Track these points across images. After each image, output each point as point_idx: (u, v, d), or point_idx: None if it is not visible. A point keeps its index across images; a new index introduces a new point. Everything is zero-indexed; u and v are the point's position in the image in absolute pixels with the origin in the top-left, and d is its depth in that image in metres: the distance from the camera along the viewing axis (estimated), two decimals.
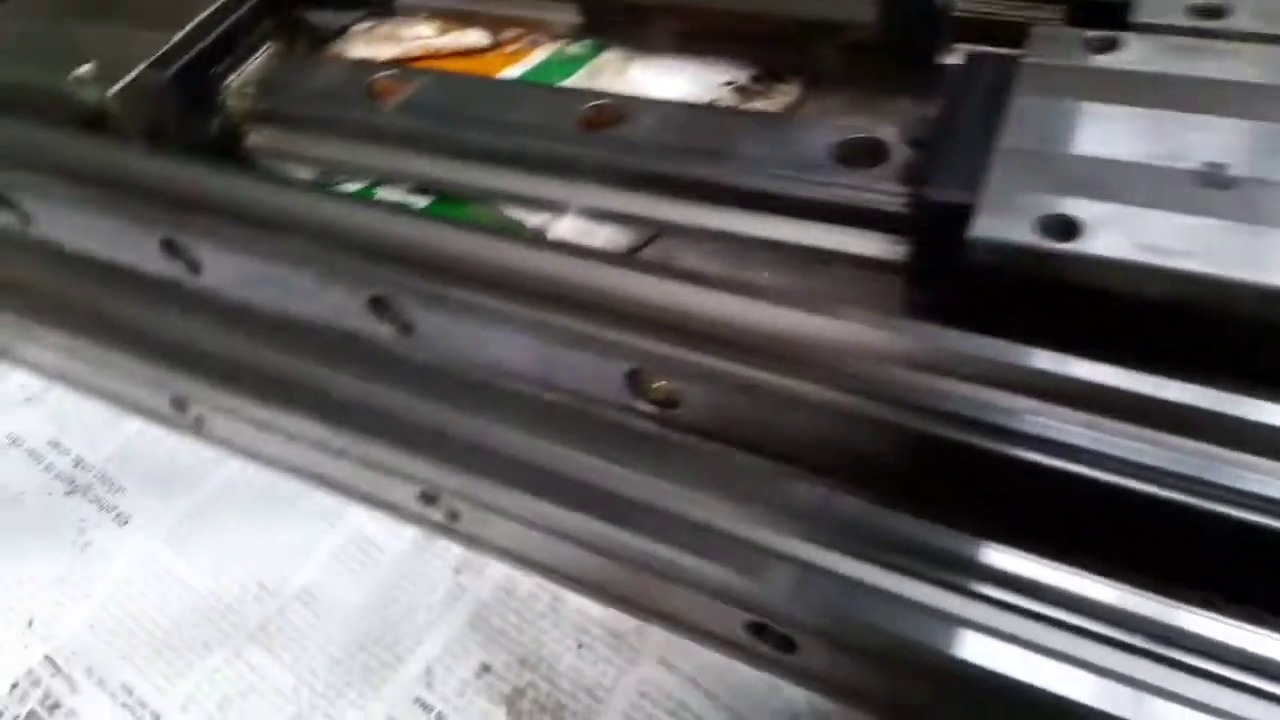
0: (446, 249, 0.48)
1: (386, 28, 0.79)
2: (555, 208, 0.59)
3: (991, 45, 0.59)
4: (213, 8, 0.64)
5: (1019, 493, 0.40)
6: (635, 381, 0.44)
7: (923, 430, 0.38)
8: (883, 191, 0.49)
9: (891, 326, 0.40)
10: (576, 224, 0.59)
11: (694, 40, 0.65)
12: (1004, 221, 0.41)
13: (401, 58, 0.79)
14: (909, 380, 0.40)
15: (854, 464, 0.41)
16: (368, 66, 0.64)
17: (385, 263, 0.48)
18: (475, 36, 0.79)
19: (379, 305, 0.50)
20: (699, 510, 0.39)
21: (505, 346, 0.47)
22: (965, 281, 0.44)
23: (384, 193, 0.66)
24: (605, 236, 0.60)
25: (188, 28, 0.63)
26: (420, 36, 0.79)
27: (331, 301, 0.51)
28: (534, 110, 0.57)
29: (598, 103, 0.57)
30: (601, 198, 0.57)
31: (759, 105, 0.70)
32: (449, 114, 0.59)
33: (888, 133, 0.51)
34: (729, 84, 0.71)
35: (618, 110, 0.56)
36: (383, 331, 0.51)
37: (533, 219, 0.61)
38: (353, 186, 0.67)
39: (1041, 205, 0.42)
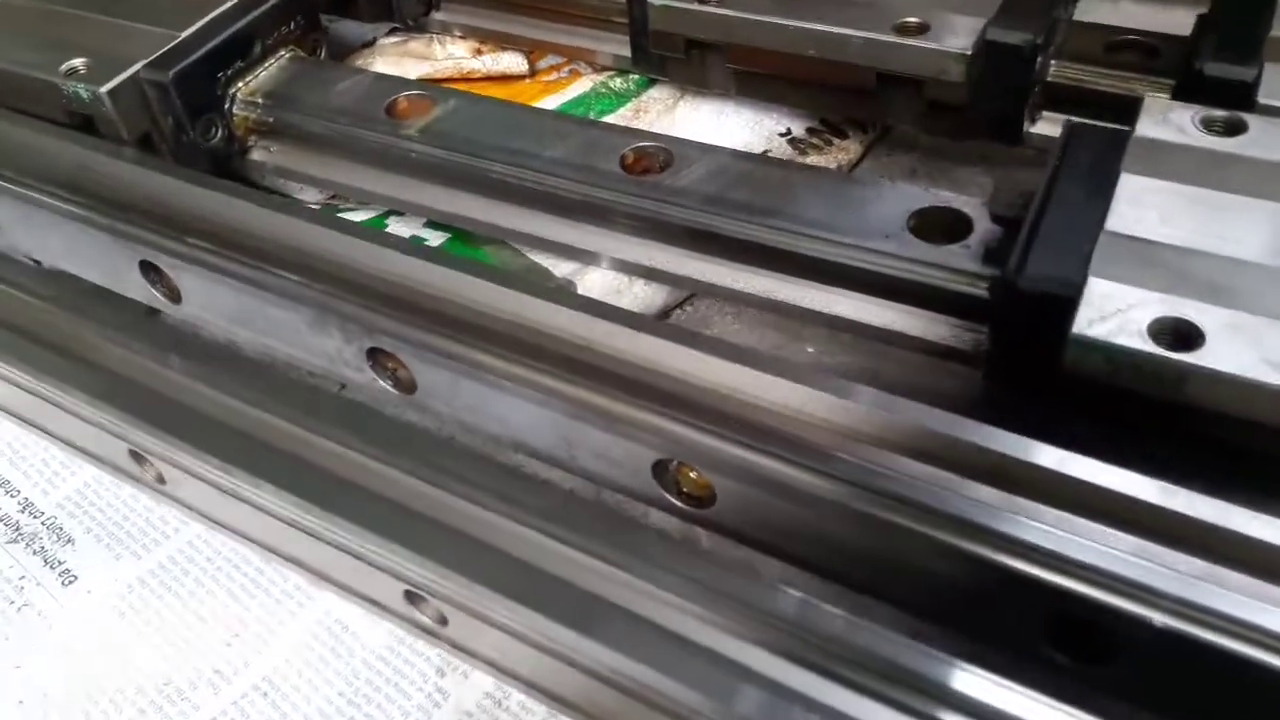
0: (461, 298, 0.43)
1: (417, 44, 0.76)
2: (586, 257, 0.54)
3: (1084, 116, 0.55)
4: (227, 5, 0.61)
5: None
6: (662, 472, 0.39)
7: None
8: (962, 271, 0.44)
9: (979, 434, 0.35)
10: (608, 277, 0.55)
11: (752, 84, 0.61)
12: (1112, 322, 0.37)
13: (430, 77, 0.76)
14: (995, 501, 0.35)
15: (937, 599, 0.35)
16: (390, 83, 0.60)
17: (389, 310, 0.44)
18: (512, 61, 0.75)
19: (379, 359, 0.45)
20: (736, 648, 0.34)
21: (517, 416, 0.42)
22: (1057, 385, 0.40)
23: (396, 225, 0.62)
24: (639, 293, 0.56)
25: (196, 25, 0.59)
26: (453, 56, 0.75)
27: (324, 349, 0.46)
28: (571, 147, 0.53)
29: (642, 144, 0.53)
30: (639, 250, 0.52)
31: (814, 160, 0.66)
32: (475, 143, 0.54)
33: (970, 204, 0.46)
34: (785, 134, 0.67)
35: (664, 154, 0.52)
36: (379, 388, 0.46)
37: (561, 267, 0.56)
38: (362, 214, 0.62)
39: (1155, 305, 0.37)
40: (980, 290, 0.44)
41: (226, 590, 0.45)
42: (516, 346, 0.41)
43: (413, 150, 0.55)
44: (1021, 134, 0.54)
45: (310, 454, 0.38)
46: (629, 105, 0.68)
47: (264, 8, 0.61)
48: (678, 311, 0.59)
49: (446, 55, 0.75)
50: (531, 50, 0.75)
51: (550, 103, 0.70)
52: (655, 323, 0.39)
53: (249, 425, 0.39)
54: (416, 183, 0.57)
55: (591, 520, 0.35)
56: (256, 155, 0.62)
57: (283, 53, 0.62)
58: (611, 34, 0.69)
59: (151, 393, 0.41)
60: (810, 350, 0.55)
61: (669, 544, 0.36)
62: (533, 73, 0.76)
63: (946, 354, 0.47)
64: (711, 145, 0.52)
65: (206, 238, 0.49)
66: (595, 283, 0.54)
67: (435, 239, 0.61)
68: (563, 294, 0.43)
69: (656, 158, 0.53)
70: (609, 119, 0.68)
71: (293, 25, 0.63)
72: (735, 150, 0.52)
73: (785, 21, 0.55)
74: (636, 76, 0.70)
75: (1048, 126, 0.56)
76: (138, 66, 0.57)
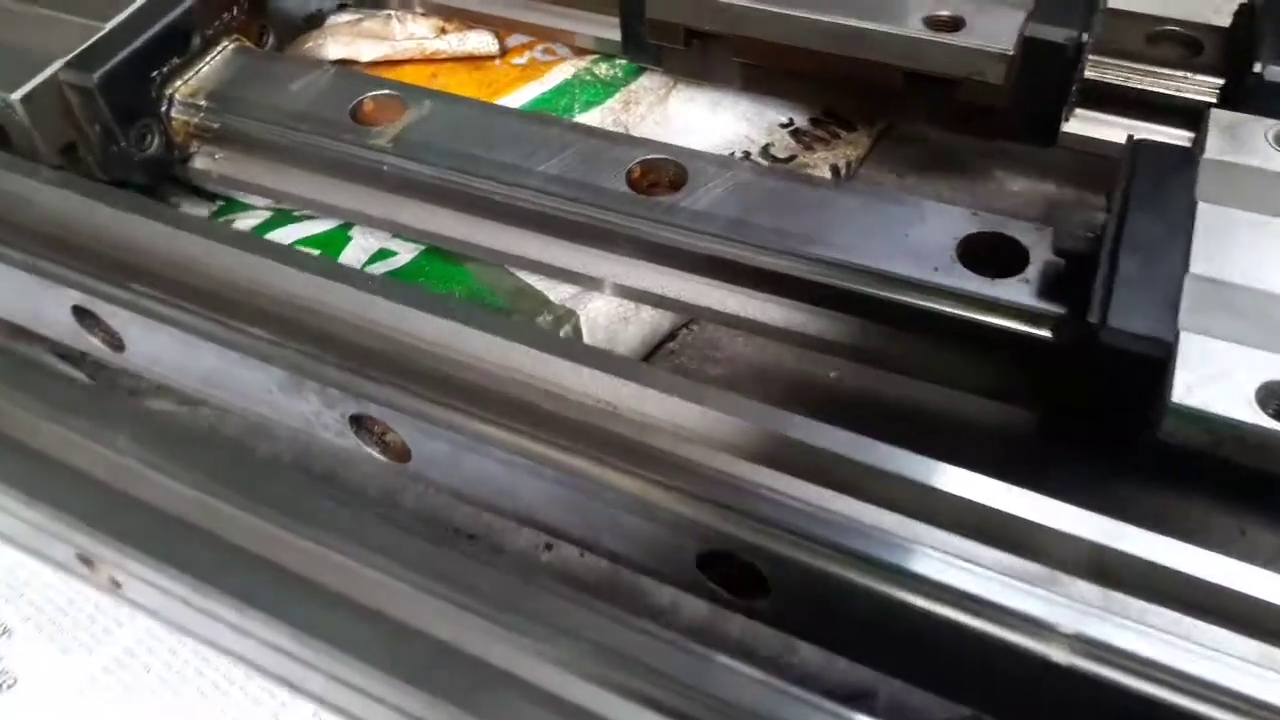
0: (456, 352, 0.38)
1: (373, 23, 0.68)
2: (588, 282, 0.49)
3: (1125, 116, 0.51)
4: None
5: None
6: (710, 564, 0.35)
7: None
8: (1019, 309, 0.40)
9: (1059, 517, 0.31)
10: (612, 304, 0.50)
11: (760, 78, 0.55)
12: (1212, 388, 0.33)
13: (389, 59, 0.69)
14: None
15: None
16: (353, 81, 0.53)
17: (369, 368, 0.38)
18: (479, 41, 0.68)
19: (363, 424, 0.40)
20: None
21: (533, 494, 0.37)
22: (1135, 444, 0.36)
23: (362, 235, 0.55)
24: (647, 319, 0.51)
25: (123, 15, 0.52)
26: (414, 36, 0.68)
27: (298, 411, 0.41)
28: (570, 160, 0.47)
29: (651, 157, 0.47)
30: (650, 277, 0.47)
31: (820, 155, 0.61)
32: (457, 155, 0.48)
33: (1025, 231, 0.42)
34: (787, 125, 0.62)
35: (675, 169, 0.47)
36: (365, 456, 0.41)
37: (559, 290, 0.51)
38: (321, 224, 0.56)
39: (1260, 367, 0.33)
40: (1040, 331, 0.40)
41: (196, 689, 0.40)
42: (526, 415, 0.36)
43: (384, 163, 0.49)
44: (1057, 135, 0.50)
45: (292, 558, 0.33)
46: (618, 95, 0.63)
47: None
48: (684, 332, 0.54)
49: (407, 34, 0.68)
50: (502, 30, 0.68)
51: (530, 91, 0.64)
52: (706, 388, 0.34)
53: (218, 521, 0.34)
54: (388, 196, 0.51)
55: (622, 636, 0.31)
56: (200, 163, 0.55)
57: (225, 44, 0.55)
58: (594, 14, 0.63)
59: (99, 484, 0.35)
60: (834, 374, 0.51)
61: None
62: (503, 52, 0.69)
63: (995, 395, 0.43)
64: (729, 159, 0.47)
65: (145, 278, 0.43)
66: (599, 310, 0.49)
67: (406, 252, 0.55)
68: (567, 345, 0.38)
69: (666, 172, 0.47)
70: (596, 111, 0.62)
71: (234, 10, 0.55)
72: (756, 164, 0.47)
73: (802, 14, 0.49)
74: (624, 62, 0.64)
75: (1080, 125, 0.52)
76: (56, 67, 0.49)
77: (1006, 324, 0.40)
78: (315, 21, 0.69)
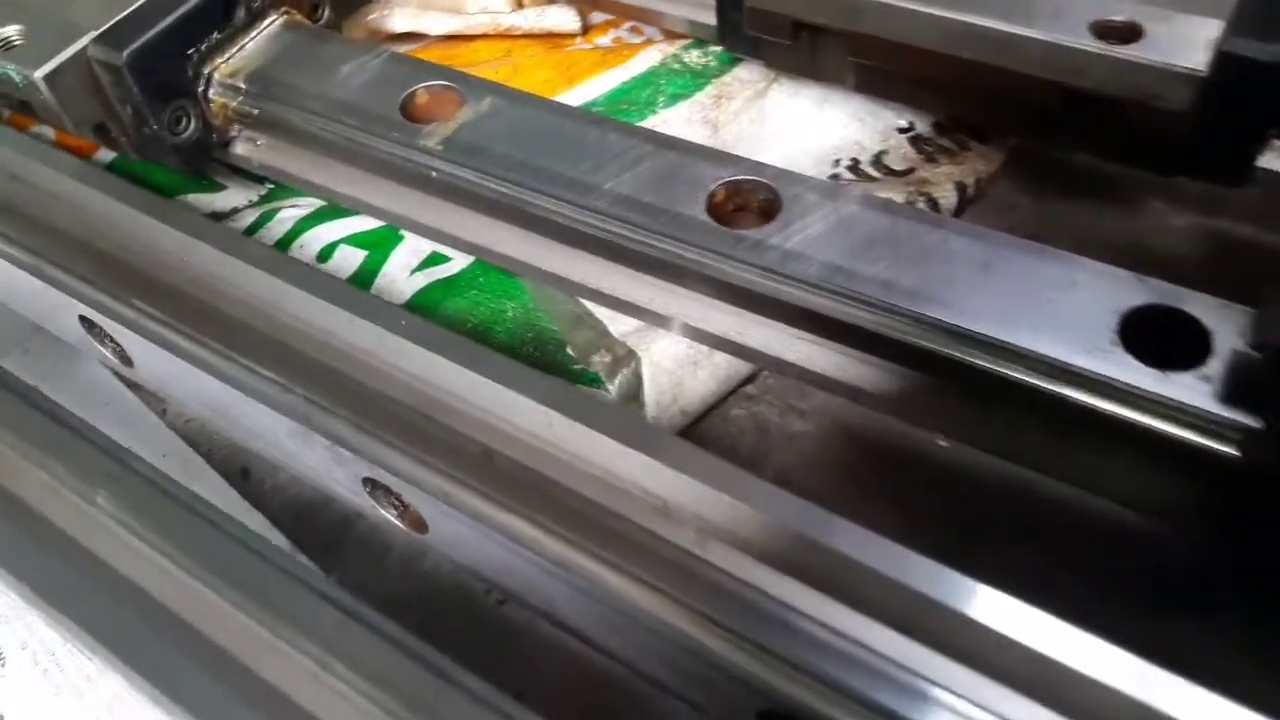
0: (489, 414, 0.32)
1: None
2: (654, 317, 0.42)
3: None
4: None
5: None
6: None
7: None
8: (1192, 416, 0.31)
9: None
10: (680, 346, 0.42)
11: (878, 81, 0.47)
12: None
13: (460, 33, 0.62)
14: None
15: None
16: (407, 69, 0.46)
17: (387, 430, 0.32)
18: (560, 17, 0.61)
19: (379, 487, 0.34)
20: None
21: (569, 603, 0.31)
22: None
23: (413, 237, 0.50)
24: (720, 364, 0.43)
25: None
26: (487, 10, 0.62)
27: (310, 463, 0.35)
28: (642, 177, 0.40)
29: (737, 178, 0.40)
30: (727, 322, 0.40)
31: (945, 169, 0.52)
32: (514, 164, 0.42)
33: (1207, 307, 0.33)
34: (906, 130, 0.54)
35: (767, 194, 0.39)
36: (382, 517, 0.35)
37: (620, 323, 0.44)
38: (368, 221, 0.50)
39: None
40: (1223, 446, 0.31)
41: None
42: (571, 514, 0.30)
43: (433, 168, 0.43)
44: (1250, 173, 0.40)
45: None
46: (709, 88, 0.55)
47: None
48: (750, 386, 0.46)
49: (480, 7, 0.62)
50: (585, 6, 0.61)
51: (611, 79, 0.57)
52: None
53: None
54: (437, 202, 0.45)
55: None
56: (240, 148, 0.50)
57: (273, 18, 0.49)
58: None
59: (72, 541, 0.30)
60: (944, 444, 0.43)
61: None
62: (585, 30, 0.62)
63: (1146, 508, 0.35)
64: (832, 185, 0.39)
65: (155, 291, 0.38)
66: (665, 352, 0.42)
67: (461, 259, 0.49)
68: (650, 436, 0.31)
69: (755, 196, 0.40)
70: (683, 106, 0.54)
71: None
72: (865, 196, 0.38)
73: (937, 11, 0.41)
74: (718, 49, 0.57)
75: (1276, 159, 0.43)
76: (84, 42, 0.44)
77: (1177, 432, 0.32)
78: None
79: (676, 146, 0.42)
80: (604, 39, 0.62)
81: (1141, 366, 0.32)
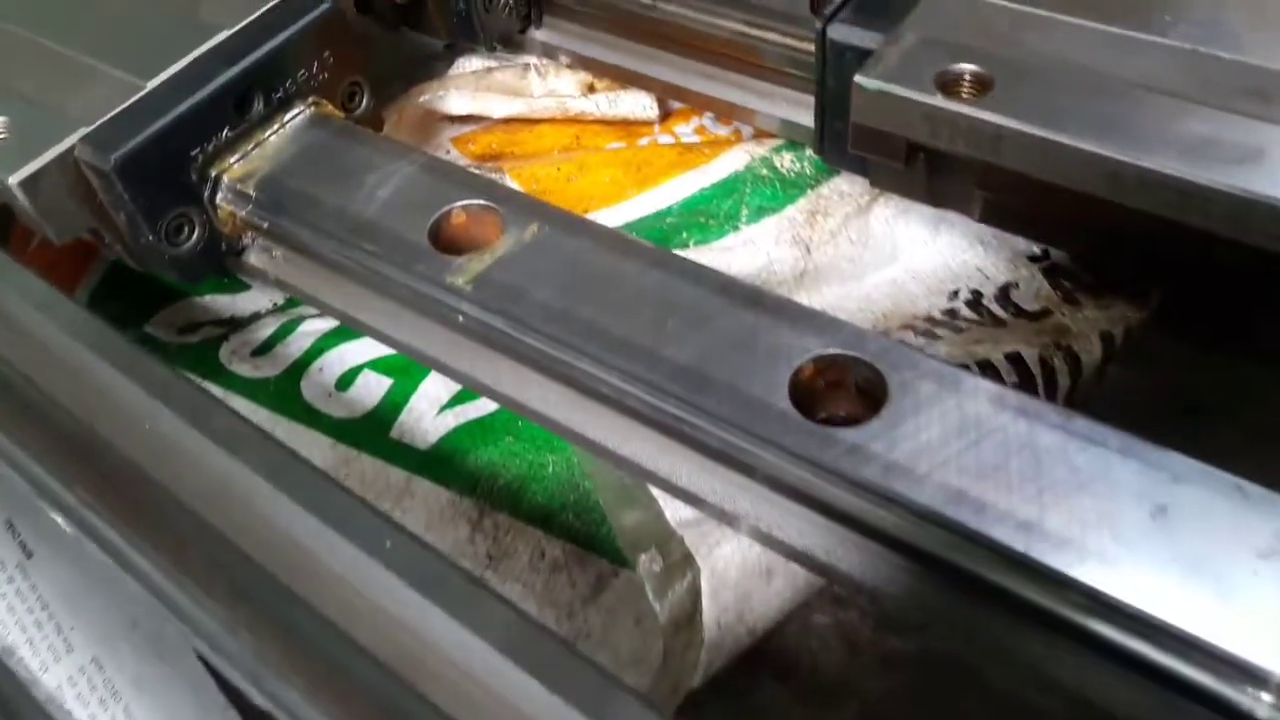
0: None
1: (507, 74, 0.55)
2: (718, 513, 0.34)
3: None
4: (221, 38, 0.42)
5: None
6: None
7: None
8: None
9: None
10: (750, 552, 0.34)
11: (1010, 217, 0.38)
12: None
13: (524, 118, 0.55)
14: None
15: None
16: (445, 181, 0.39)
17: None
18: (635, 104, 0.54)
19: None
20: None
21: None
22: None
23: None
24: (795, 575, 0.35)
25: (167, 73, 0.40)
26: (555, 93, 0.55)
27: None
28: (712, 341, 0.32)
29: (831, 352, 0.31)
30: (808, 530, 0.31)
31: (1088, 314, 0.43)
32: (557, 314, 0.34)
33: None
34: (1039, 259, 0.45)
35: (868, 375, 0.31)
36: None
37: (677, 509, 0.36)
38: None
39: None
40: None
41: None
42: None
43: (461, 311, 0.36)
44: None
45: None
46: (802, 201, 0.47)
47: (274, 43, 0.41)
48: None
49: (547, 90, 0.55)
50: (663, 95, 0.53)
51: (688, 183, 0.49)
52: None
53: None
54: (469, 345, 0.37)
55: None
56: (255, 259, 0.43)
57: (298, 109, 0.43)
58: (783, 89, 0.48)
59: None
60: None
61: None
62: (663, 116, 0.55)
63: None
64: (953, 372, 0.30)
65: (82, 467, 0.31)
66: (729, 558, 0.34)
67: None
68: None
69: (853, 374, 0.31)
70: (770, 221, 0.46)
71: (315, 67, 0.43)
72: (999, 391, 0.30)
73: (1103, 151, 0.32)
74: (812, 153, 0.49)
75: None
76: (70, 141, 0.38)
77: None
78: (432, 60, 0.57)
79: (757, 303, 0.33)
80: (685, 127, 0.54)
81: None
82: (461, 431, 0.42)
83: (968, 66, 0.36)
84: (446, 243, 0.38)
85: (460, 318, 0.36)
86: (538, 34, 0.55)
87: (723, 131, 0.54)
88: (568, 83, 0.54)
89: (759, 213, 0.46)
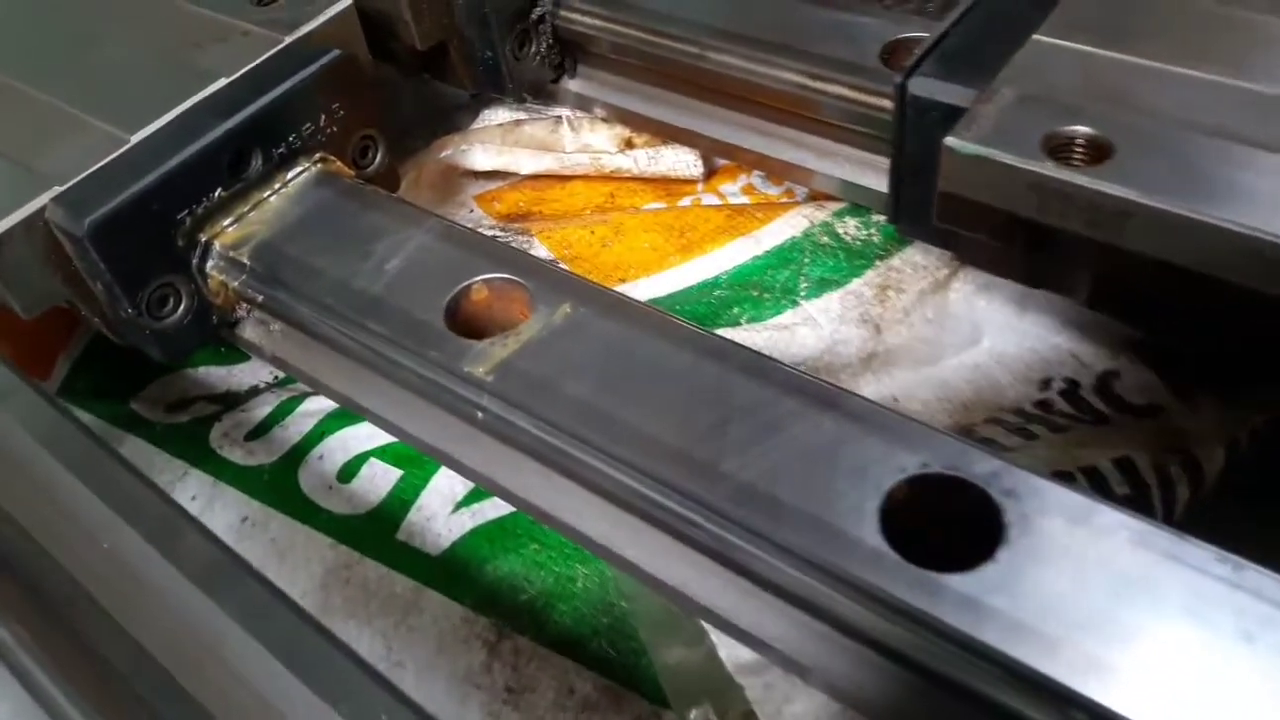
0: None
1: (538, 127, 0.51)
2: (785, 661, 0.28)
3: None
4: (214, 88, 0.37)
5: None
6: None
7: None
8: None
9: None
10: (823, 711, 0.28)
11: (1126, 304, 0.33)
12: None
13: (554, 174, 0.51)
14: None
15: None
16: (461, 249, 0.34)
17: None
18: (677, 161, 0.49)
19: None
20: None
21: None
22: None
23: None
24: None
25: (156, 125, 0.36)
26: (589, 148, 0.50)
27: None
28: (783, 452, 0.27)
29: (932, 471, 0.26)
30: (901, 694, 0.26)
31: (1210, 414, 0.37)
32: (597, 415, 0.29)
33: None
34: (1140, 345, 0.39)
35: (978, 499, 0.25)
36: None
37: (735, 650, 0.30)
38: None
39: None
40: None
41: None
42: None
43: (481, 406, 0.30)
44: None
45: None
46: (870, 272, 0.42)
47: (276, 93, 0.37)
48: None
49: (580, 145, 0.50)
50: (709, 151, 0.49)
51: (738, 251, 0.44)
52: None
53: None
54: (489, 443, 0.32)
55: None
56: (250, 332, 0.39)
57: (303, 166, 0.38)
58: (846, 146, 0.43)
59: None
60: None
61: None
62: (707, 174, 0.50)
63: None
64: (1090, 504, 0.25)
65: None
66: (802, 717, 0.28)
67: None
68: None
69: (958, 498, 0.26)
70: (834, 296, 0.41)
71: (323, 120, 0.38)
72: (1140, 527, 0.24)
73: (1250, 230, 0.27)
74: (880, 218, 0.43)
75: None
76: (40, 201, 0.34)
77: None
78: (460, 106, 0.53)
79: (838, 406, 0.28)
80: (731, 186, 0.50)
81: None
82: (479, 535, 0.37)
83: (1081, 129, 0.30)
84: (465, 323, 0.33)
85: (480, 413, 0.30)
86: (571, 84, 0.50)
87: (774, 192, 0.49)
88: (603, 137, 0.50)
89: (820, 286, 0.41)
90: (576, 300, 0.32)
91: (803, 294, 0.41)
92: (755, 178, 0.50)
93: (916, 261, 0.42)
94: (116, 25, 0.42)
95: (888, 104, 0.39)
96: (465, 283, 0.33)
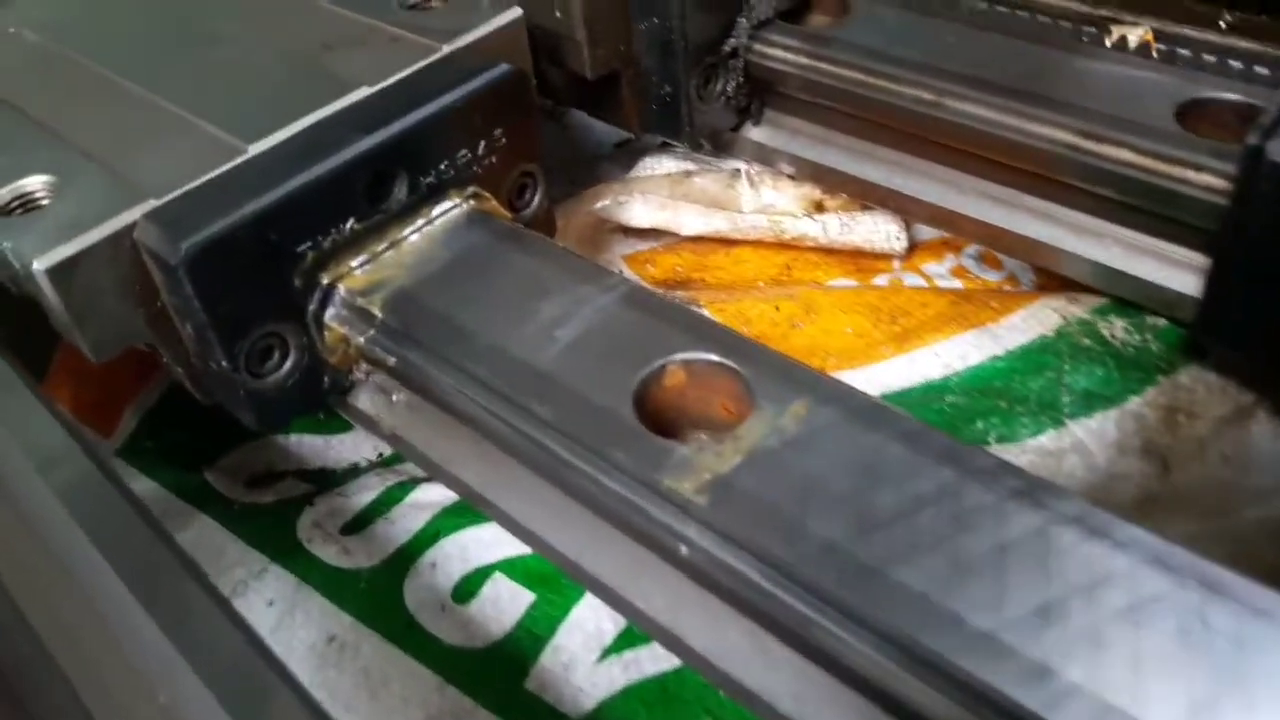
0: None
1: (710, 180, 0.43)
2: None
3: None
4: (356, 97, 0.30)
5: None
6: None
7: None
8: None
9: None
10: None
11: None
12: None
13: (725, 237, 0.43)
14: None
15: None
16: (647, 315, 0.27)
17: None
18: (875, 230, 0.41)
19: None
20: None
21: None
22: None
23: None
24: None
25: (279, 136, 0.29)
26: (770, 209, 0.42)
27: None
28: (1082, 609, 0.18)
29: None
30: None
31: None
32: (860, 563, 0.20)
33: None
34: None
35: None
36: None
37: None
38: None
39: None
40: None
41: None
42: None
43: (685, 537, 0.22)
44: None
45: None
46: (1152, 391, 0.32)
47: (428, 110, 0.30)
48: None
49: (759, 205, 0.42)
50: (915, 218, 0.40)
51: (969, 347, 0.35)
52: None
53: None
54: (690, 591, 0.24)
55: None
56: (366, 401, 0.31)
57: (455, 200, 0.31)
58: (1114, 225, 0.34)
59: None
60: None
61: None
62: (910, 249, 0.41)
63: None
64: None
65: None
66: None
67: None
68: None
69: None
70: (1109, 415, 0.32)
71: (482, 149, 0.31)
72: None
73: None
74: (1158, 322, 0.34)
75: None
76: (129, 217, 0.27)
77: None
78: (618, 149, 0.45)
79: (1220, 589, 0.19)
80: (937, 266, 0.41)
81: None
82: (632, 696, 0.28)
83: None
84: (659, 416, 0.25)
85: (683, 546, 0.22)
86: (752, 133, 0.42)
87: (992, 277, 0.41)
88: (788, 197, 0.42)
89: (1089, 402, 0.32)
90: (814, 399, 0.24)
91: (1067, 410, 0.32)
92: (966, 258, 0.42)
93: (1210, 381, 0.32)
94: (244, 22, 0.36)
95: (1184, 174, 0.31)
96: (658, 362, 0.25)
